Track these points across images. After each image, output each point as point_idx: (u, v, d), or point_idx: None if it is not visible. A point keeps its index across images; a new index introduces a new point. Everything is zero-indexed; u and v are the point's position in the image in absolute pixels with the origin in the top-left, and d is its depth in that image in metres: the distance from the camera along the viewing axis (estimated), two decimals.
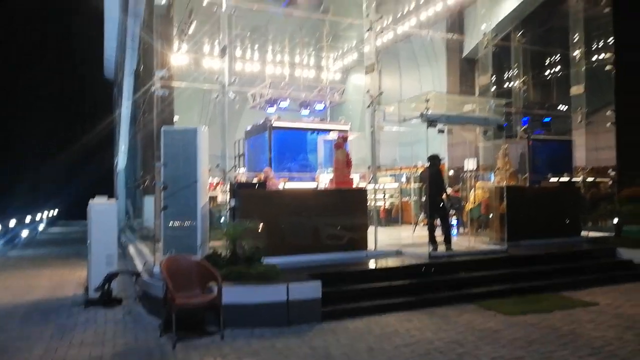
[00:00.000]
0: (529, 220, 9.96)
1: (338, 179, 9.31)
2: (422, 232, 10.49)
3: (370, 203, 9.74)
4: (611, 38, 13.40)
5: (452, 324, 6.15)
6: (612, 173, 12.87)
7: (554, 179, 12.00)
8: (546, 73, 17.06)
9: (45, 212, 29.58)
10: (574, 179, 12.25)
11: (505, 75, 16.33)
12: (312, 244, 8.15)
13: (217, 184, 12.07)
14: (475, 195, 10.76)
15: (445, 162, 14.38)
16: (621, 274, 8.79)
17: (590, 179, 13.24)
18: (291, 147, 12.99)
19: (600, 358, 4.93)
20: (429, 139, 9.10)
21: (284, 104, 14.81)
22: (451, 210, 11.29)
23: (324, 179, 11.35)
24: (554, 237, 10.21)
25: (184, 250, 7.27)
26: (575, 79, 12.75)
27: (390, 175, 15.74)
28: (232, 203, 8.14)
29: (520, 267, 8.53)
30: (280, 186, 11.00)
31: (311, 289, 6.36)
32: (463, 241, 9.91)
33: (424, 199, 10.23)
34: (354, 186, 9.76)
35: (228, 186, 8.75)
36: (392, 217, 14.26)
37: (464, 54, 15.69)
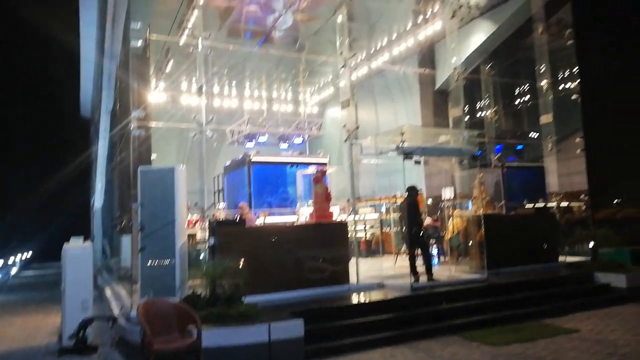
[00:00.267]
0: (507, 248, 10.09)
1: (318, 212, 9.32)
2: (403, 262, 10.49)
3: (351, 234, 9.76)
4: (576, 68, 14.00)
5: (436, 358, 6.10)
6: (585, 198, 13.19)
7: (529, 205, 12.24)
8: (516, 102, 17.64)
9: (19, 255, 28.65)
10: (548, 205, 12.52)
11: (477, 106, 16.81)
12: (294, 279, 8.07)
13: (197, 221, 11.94)
14: (453, 225, 10.88)
15: (424, 192, 14.59)
16: (600, 299, 8.91)
17: (564, 204, 13.54)
18: (271, 182, 13.00)
19: None
20: (407, 169, 9.23)
21: (262, 139, 14.91)
22: (431, 240, 11.40)
23: (305, 212, 11.35)
24: (532, 263, 10.34)
25: (162, 291, 7.11)
26: (544, 108, 13.19)
27: (370, 206, 15.83)
28: (211, 241, 8.05)
29: (501, 295, 8.58)
30: (260, 221, 10.95)
31: (293, 328, 6.26)
32: (444, 271, 9.95)
33: (404, 229, 10.29)
34: (334, 219, 9.77)
35: (207, 223, 8.67)
36: (373, 248, 14.26)
37: (437, 86, 16.15)
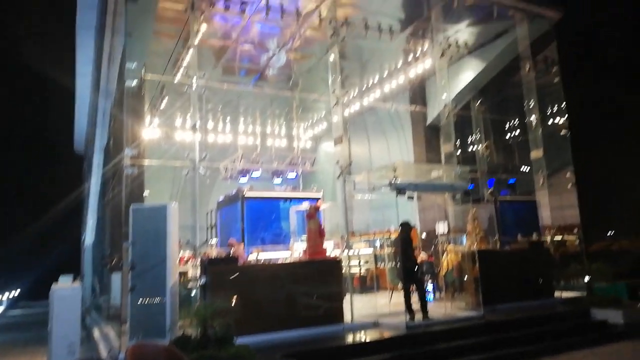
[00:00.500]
0: (502, 284, 10.01)
1: (311, 249, 9.26)
2: (398, 299, 10.35)
3: (345, 270, 9.65)
4: (564, 104, 14.30)
5: None
6: (578, 232, 13.21)
7: (522, 239, 12.22)
8: (507, 137, 17.89)
9: (6, 294, 28.01)
10: (542, 239, 12.51)
11: (469, 140, 17.03)
12: (287, 318, 7.93)
13: (189, 258, 11.79)
14: (448, 260, 10.82)
15: (417, 226, 14.55)
16: (597, 336, 8.78)
17: (558, 237, 13.53)
18: (264, 217, 12.95)
19: None
20: (400, 204, 9.26)
21: (256, 174, 14.95)
22: (426, 275, 11.30)
23: (298, 248, 11.25)
24: (528, 299, 10.24)
25: (152, 332, 6.95)
26: (534, 143, 13.37)
27: (364, 241, 15.74)
28: (203, 280, 7.93)
29: (498, 333, 8.44)
30: (253, 257, 10.84)
31: None
32: (440, 307, 9.81)
33: (398, 265, 10.21)
34: (327, 255, 9.69)
35: (199, 261, 8.56)
36: (368, 285, 14.09)
37: (428, 122, 16.38)
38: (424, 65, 14.71)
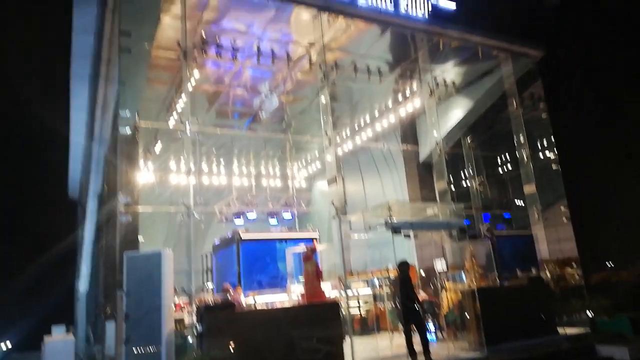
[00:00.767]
0: (504, 322, 9.80)
1: (309, 292, 9.12)
2: (400, 340, 10.11)
3: (345, 312, 9.46)
4: (552, 138, 14.54)
5: None
6: (577, 264, 13.14)
7: (522, 274, 12.09)
8: (500, 172, 18.05)
9: None
10: (541, 273, 12.40)
11: (462, 176, 17.15)
12: None
13: (184, 305, 11.55)
14: (448, 299, 10.65)
15: (415, 263, 14.42)
16: None
17: (557, 271, 13.42)
18: (260, 259, 12.81)
19: None
20: (397, 242, 9.23)
21: (251, 215, 14.91)
22: (427, 315, 11.08)
23: (295, 290, 11.07)
24: (532, 336, 10.01)
25: None
26: (526, 178, 13.49)
27: (362, 281, 15.52)
28: (199, 328, 7.74)
29: None
30: (250, 300, 10.65)
31: None
32: (442, 349, 9.57)
33: (398, 306, 10.04)
34: (326, 297, 9.52)
35: (194, 307, 8.38)
36: (369, 326, 13.78)
37: (421, 159, 16.52)
38: (413, 105, 14.98)
